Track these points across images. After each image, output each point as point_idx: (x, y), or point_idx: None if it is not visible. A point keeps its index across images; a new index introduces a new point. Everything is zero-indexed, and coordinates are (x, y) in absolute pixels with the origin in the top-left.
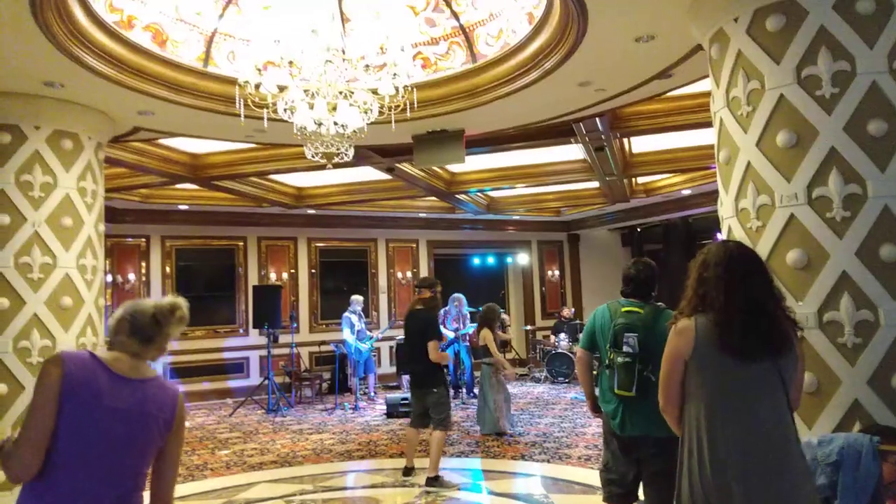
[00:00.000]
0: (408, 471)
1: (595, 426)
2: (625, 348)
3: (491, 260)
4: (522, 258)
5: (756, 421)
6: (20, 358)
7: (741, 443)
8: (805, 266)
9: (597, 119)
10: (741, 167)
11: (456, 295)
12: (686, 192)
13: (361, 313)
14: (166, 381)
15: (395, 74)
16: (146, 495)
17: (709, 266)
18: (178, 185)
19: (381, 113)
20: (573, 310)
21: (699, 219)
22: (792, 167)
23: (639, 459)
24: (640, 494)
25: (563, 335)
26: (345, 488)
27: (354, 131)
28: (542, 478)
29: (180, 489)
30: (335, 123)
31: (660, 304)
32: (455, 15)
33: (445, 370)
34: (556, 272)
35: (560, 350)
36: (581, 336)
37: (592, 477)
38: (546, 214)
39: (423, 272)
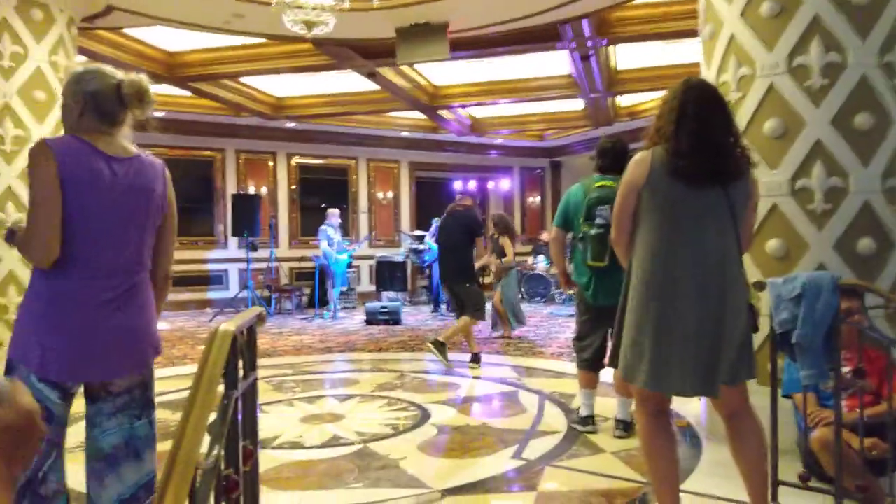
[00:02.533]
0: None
1: (569, 332)
2: (598, 220)
3: (472, 184)
4: (504, 184)
5: (705, 245)
6: None
7: (690, 265)
8: (781, 135)
9: (583, 21)
10: (724, 40)
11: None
12: None
13: (339, 227)
14: (149, 155)
15: None
16: None
17: (667, 101)
18: (155, 90)
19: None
20: None
21: None
22: (774, 37)
23: (610, 327)
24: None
25: (541, 257)
26: (324, 372)
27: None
28: (514, 367)
29: (159, 372)
30: None
31: None
32: None
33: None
34: (538, 198)
35: (537, 272)
36: (556, 215)
37: (562, 366)
38: (529, 138)
39: (405, 194)
